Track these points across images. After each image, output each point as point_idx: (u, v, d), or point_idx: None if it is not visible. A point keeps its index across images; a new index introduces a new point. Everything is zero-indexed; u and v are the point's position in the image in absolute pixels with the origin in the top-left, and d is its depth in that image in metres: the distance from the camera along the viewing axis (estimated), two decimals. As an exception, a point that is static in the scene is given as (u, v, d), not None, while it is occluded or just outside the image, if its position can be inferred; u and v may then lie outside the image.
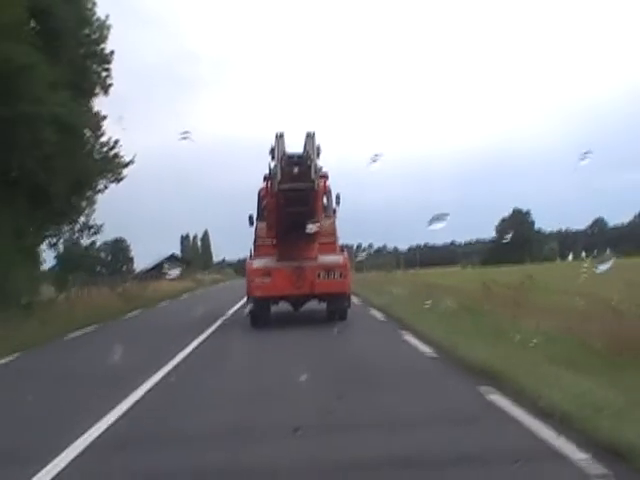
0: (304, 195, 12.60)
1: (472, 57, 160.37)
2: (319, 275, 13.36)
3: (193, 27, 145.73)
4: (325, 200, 14.42)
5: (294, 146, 12.92)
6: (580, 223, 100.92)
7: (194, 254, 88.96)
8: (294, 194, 12.49)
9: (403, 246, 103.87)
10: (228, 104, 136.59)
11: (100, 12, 21.48)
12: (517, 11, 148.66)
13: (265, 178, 13.66)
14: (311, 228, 12.29)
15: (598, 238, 79.85)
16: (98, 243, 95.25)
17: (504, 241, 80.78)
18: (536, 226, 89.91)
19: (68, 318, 17.50)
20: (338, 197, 14.79)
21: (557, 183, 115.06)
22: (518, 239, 76.44)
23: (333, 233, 14.65)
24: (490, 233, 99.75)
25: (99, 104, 22.60)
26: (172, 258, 68.59)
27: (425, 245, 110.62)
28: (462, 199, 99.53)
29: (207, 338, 12.69)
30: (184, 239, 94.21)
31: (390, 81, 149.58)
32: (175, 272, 46.51)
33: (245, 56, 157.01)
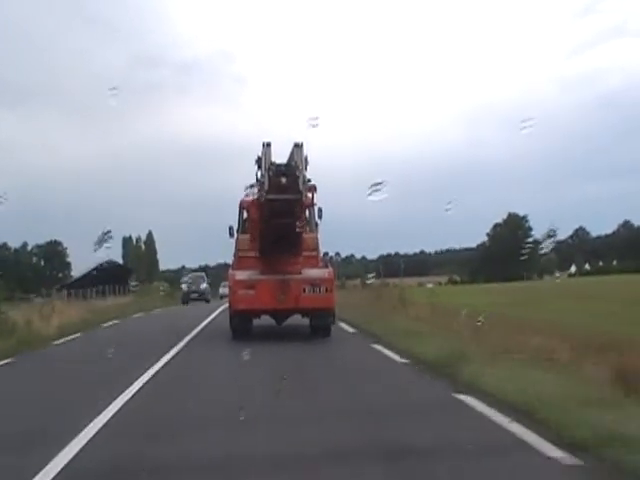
0: (291, 206, 12.30)
1: (434, 79, 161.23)
2: (304, 290, 13.01)
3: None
4: (308, 213, 14.15)
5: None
6: (560, 233, 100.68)
7: (138, 260, 77.31)
8: (281, 205, 12.19)
9: (372, 255, 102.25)
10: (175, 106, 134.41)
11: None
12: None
13: (251, 188, 13.33)
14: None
15: (579, 248, 77.90)
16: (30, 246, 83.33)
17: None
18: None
19: None
20: (320, 210, 14.55)
21: (536, 193, 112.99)
22: (511, 247, 64.26)
23: (316, 247, 14.40)
24: (462, 242, 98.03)
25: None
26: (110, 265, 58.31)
27: (396, 254, 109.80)
28: (431, 208, 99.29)
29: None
30: (126, 242, 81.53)
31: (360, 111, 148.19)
32: None
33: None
